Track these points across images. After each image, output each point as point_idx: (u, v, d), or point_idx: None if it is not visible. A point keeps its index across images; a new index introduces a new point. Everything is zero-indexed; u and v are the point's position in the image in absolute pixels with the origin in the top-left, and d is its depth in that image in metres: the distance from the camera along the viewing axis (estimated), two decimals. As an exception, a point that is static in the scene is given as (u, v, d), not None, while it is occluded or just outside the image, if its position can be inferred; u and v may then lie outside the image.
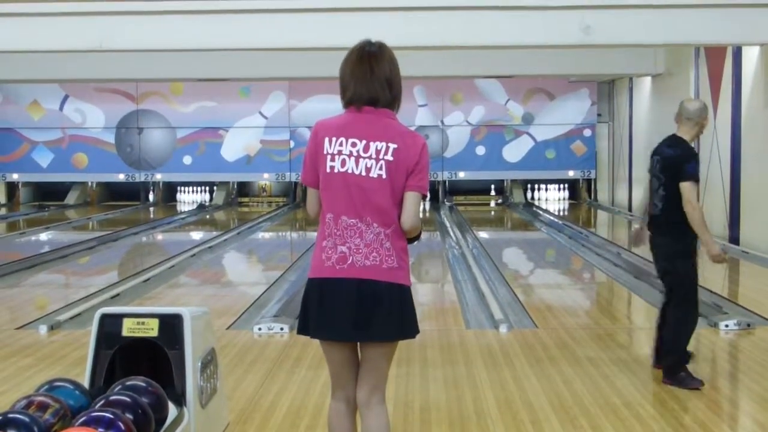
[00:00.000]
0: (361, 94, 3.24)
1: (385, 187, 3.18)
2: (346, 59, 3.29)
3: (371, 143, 3.19)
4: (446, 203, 20.06)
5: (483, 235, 14.42)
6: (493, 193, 21.67)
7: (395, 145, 3.19)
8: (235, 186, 21.27)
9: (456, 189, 21.26)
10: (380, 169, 3.18)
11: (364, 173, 3.18)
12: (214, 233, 14.50)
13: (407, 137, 3.23)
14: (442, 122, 20.66)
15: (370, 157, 3.19)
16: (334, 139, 3.23)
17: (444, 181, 20.81)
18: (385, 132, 3.21)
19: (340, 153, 3.21)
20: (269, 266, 11.32)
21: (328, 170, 3.23)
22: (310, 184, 3.32)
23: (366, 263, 3.19)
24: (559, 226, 15.04)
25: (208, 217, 18.69)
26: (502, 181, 21.31)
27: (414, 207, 3.23)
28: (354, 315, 3.20)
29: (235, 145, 20.79)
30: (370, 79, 3.23)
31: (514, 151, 20.63)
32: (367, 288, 3.18)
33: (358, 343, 3.33)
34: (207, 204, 20.75)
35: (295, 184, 21.00)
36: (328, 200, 3.24)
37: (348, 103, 3.28)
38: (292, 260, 11.19)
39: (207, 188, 21.49)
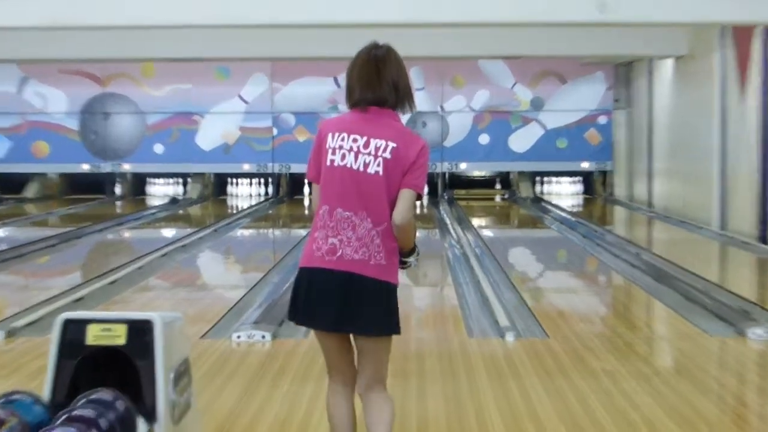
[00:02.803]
0: (366, 97, 3.61)
1: (381, 185, 3.54)
2: (352, 63, 3.66)
3: (372, 140, 3.56)
4: (446, 197, 20.06)
5: (487, 233, 14.42)
6: (498, 186, 21.66)
7: (395, 144, 3.55)
8: (212, 177, 21.21)
9: (457, 182, 21.24)
10: (378, 165, 3.54)
11: (362, 168, 3.55)
12: (188, 230, 14.48)
13: (407, 137, 3.58)
14: (441, 108, 20.67)
15: (369, 153, 3.55)
16: (336, 134, 3.60)
17: (443, 173, 20.81)
18: (387, 131, 3.57)
19: (341, 147, 3.58)
20: (249, 267, 11.31)
21: (328, 164, 3.60)
22: (314, 180, 3.68)
23: (355, 257, 3.55)
24: (571, 224, 15.06)
25: (181, 212, 18.66)
26: (508, 173, 21.30)
27: (406, 203, 3.56)
28: (339, 307, 3.56)
29: (211, 133, 20.77)
30: (377, 83, 3.60)
31: (522, 139, 20.64)
32: (355, 282, 3.54)
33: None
34: (180, 198, 20.72)
35: (279, 176, 20.98)
36: (326, 193, 3.61)
37: (353, 105, 3.65)
38: (275, 261, 11.17)
39: (180, 180, 21.46)
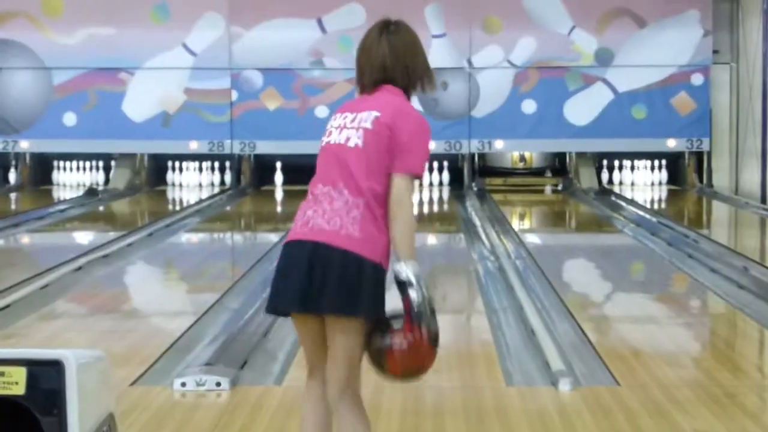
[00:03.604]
0: (375, 80, 4.56)
1: (359, 156, 4.43)
2: (361, 45, 4.61)
3: (359, 114, 4.51)
4: (474, 189, 20.03)
5: (532, 239, 14.39)
6: (548, 173, 21.62)
7: (378, 114, 4.46)
8: (146, 160, 21.15)
9: (491, 168, 21.20)
10: (358, 138, 4.46)
11: (343, 142, 4.48)
12: (112, 234, 14.47)
13: (396, 108, 4.49)
14: (469, 62, 20.64)
15: (353, 127, 4.49)
16: (337, 115, 4.60)
17: (472, 156, 20.79)
18: (376, 102, 4.51)
19: (331, 126, 4.56)
20: (199, 287, 11.31)
21: (321, 145, 4.56)
22: None
23: (325, 228, 4.39)
24: (652, 226, 15.06)
25: (102, 208, 18.63)
26: (563, 154, 21.26)
27: (400, 191, 4.40)
28: (303, 281, 4.36)
29: (145, 97, 20.72)
30: (390, 67, 4.54)
31: (583, 107, 20.60)
32: (321, 252, 4.36)
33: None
34: (101, 189, 20.69)
35: (240, 158, 20.95)
36: (316, 174, 4.54)
37: (362, 90, 4.60)
38: (234, 277, 11.19)
39: (101, 164, 21.42)
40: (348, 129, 4.49)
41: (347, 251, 4.33)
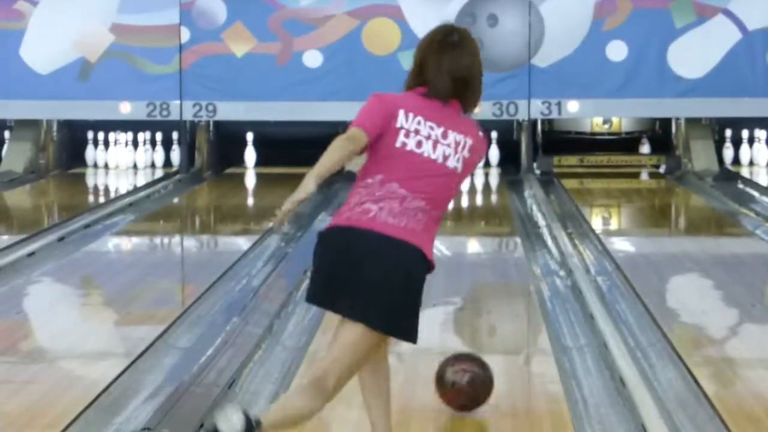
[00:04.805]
0: (450, 92, 6.29)
1: (454, 180, 6.26)
2: (428, 46, 6.34)
3: (449, 132, 6.27)
4: (537, 171, 20.07)
5: (622, 245, 14.41)
6: (645, 149, 21.62)
7: (471, 142, 6.32)
8: (54, 129, 21.24)
9: (561, 141, 21.23)
10: (457, 161, 6.24)
11: (441, 160, 6.21)
12: (5, 239, 14.55)
13: (477, 134, 6.36)
14: (529, -14, 20.69)
15: (449, 146, 6.23)
16: (411, 115, 6.24)
17: (533, 123, 20.78)
18: (461, 124, 6.33)
19: (417, 132, 6.22)
20: (133, 315, 11.29)
21: (398, 145, 6.21)
22: (366, 130, 6.12)
23: (389, 221, 6.05)
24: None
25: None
26: (668, 121, 21.25)
27: None
28: (350, 284, 6.00)
29: (53, 38, 20.79)
30: (469, 79, 6.39)
31: (697, 53, 20.61)
32: (382, 243, 6.03)
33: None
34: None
35: (193, 128, 20.94)
36: (386, 168, 6.19)
37: (426, 93, 6.30)
38: (185, 302, 11.24)
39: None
40: (443, 145, 6.22)
41: (409, 243, 6.05)
